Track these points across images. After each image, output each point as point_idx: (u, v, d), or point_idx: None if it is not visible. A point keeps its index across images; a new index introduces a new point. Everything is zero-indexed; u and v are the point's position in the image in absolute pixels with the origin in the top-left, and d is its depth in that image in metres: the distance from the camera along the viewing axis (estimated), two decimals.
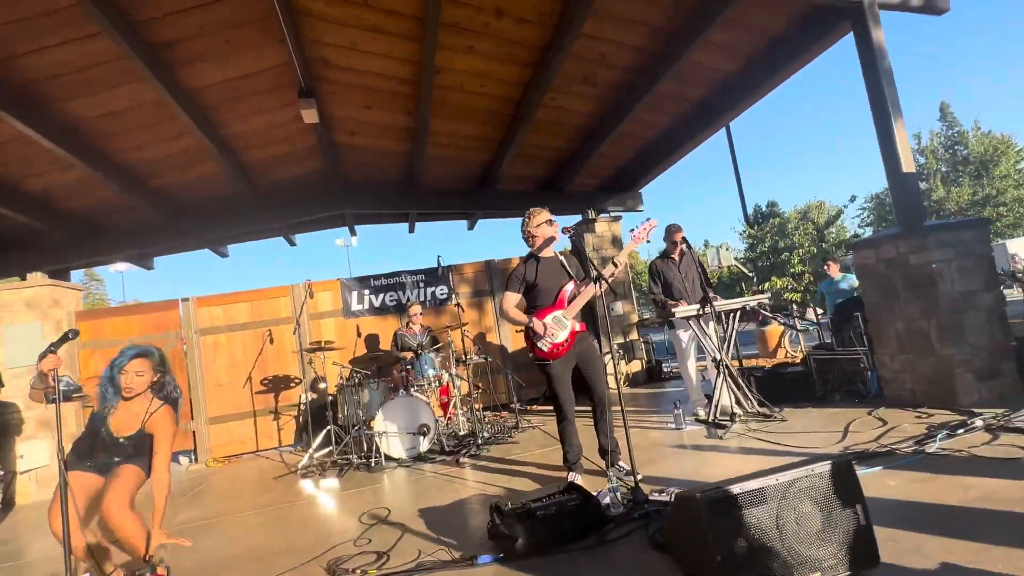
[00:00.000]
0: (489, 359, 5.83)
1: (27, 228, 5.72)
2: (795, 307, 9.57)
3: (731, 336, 4.35)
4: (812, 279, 10.21)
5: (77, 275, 6.95)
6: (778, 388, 4.65)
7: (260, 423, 6.37)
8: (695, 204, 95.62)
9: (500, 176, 6.87)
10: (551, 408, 6.22)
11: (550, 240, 3.34)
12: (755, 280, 14.82)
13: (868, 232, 25.63)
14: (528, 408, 6.50)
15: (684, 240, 4.67)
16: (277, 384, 6.47)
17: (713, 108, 5.83)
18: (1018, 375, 3.74)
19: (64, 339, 2.41)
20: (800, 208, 26.06)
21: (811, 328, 8.04)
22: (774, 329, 9.21)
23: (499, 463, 4.13)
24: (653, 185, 7.77)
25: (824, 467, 1.78)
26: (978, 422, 3.08)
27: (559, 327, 3.24)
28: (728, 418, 4.09)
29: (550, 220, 3.36)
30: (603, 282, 3.00)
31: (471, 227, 8.48)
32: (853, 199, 21.23)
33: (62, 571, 1.97)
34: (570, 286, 3.29)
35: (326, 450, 5.05)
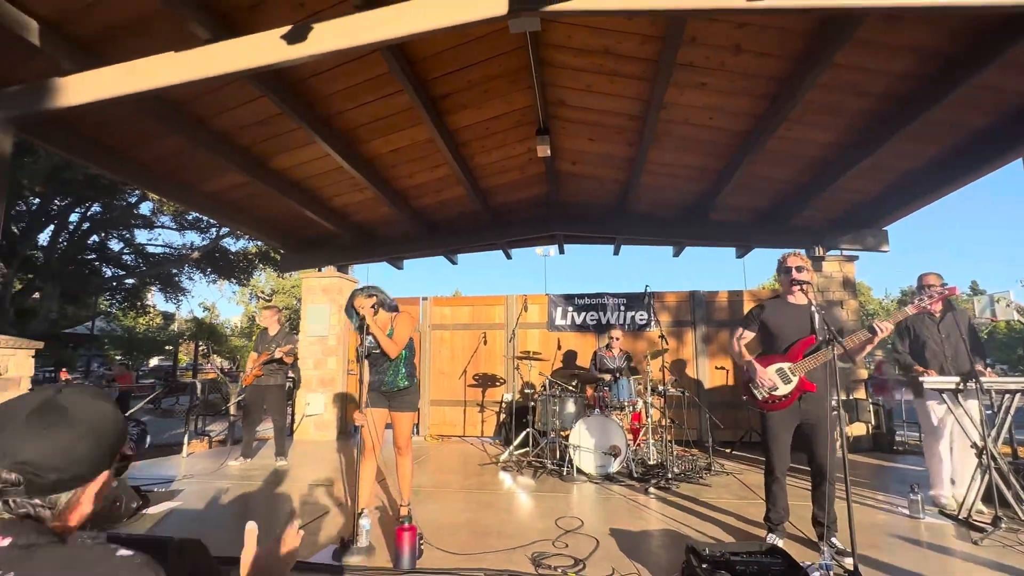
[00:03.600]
0: (686, 393, 5.73)
1: (329, 232, 7.58)
2: None
3: (1004, 422, 3.57)
4: None
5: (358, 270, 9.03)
6: None
7: (468, 412, 7.33)
8: (962, 251, 75.70)
9: (714, 206, 6.67)
10: (747, 456, 5.85)
11: (798, 285, 3.14)
12: None
13: None
14: (722, 451, 6.19)
15: (948, 301, 3.96)
16: (485, 381, 7.35)
17: (1002, 137, 4.78)
18: None
19: (363, 325, 3.29)
20: None
21: None
22: None
23: (689, 502, 4.10)
24: (904, 222, 6.65)
25: None
26: None
27: (782, 380, 3.09)
28: (990, 521, 3.37)
29: (802, 268, 3.16)
30: (840, 348, 2.76)
31: (677, 254, 8.36)
32: None
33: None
34: (810, 340, 3.06)
35: (524, 449, 5.60)
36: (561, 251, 9.05)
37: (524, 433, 5.63)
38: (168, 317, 31.41)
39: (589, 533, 3.32)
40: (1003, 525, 3.31)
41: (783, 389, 3.08)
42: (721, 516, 3.73)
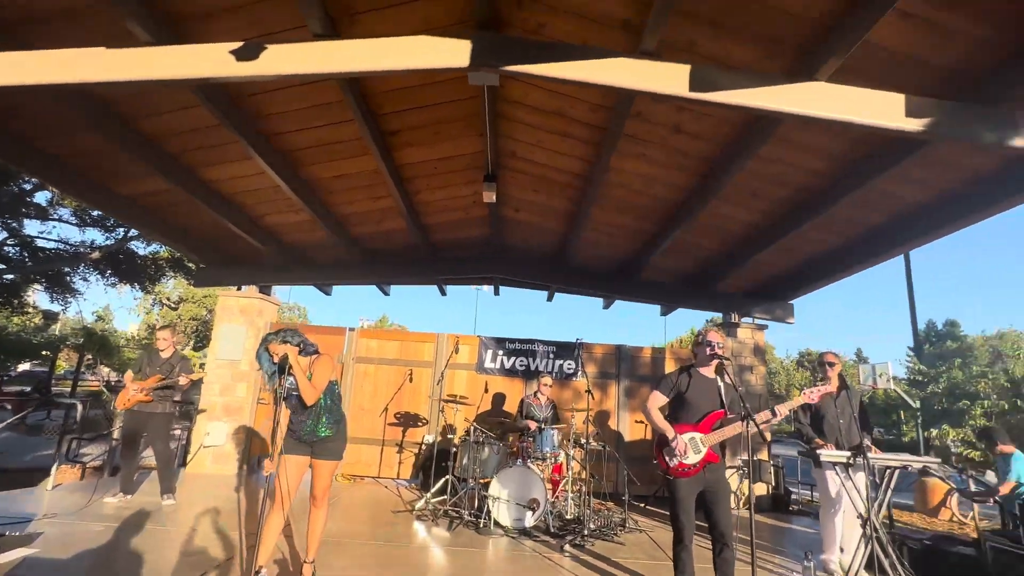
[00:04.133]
0: (606, 447, 5.83)
1: (255, 250, 7.15)
2: (968, 468, 8.05)
3: (885, 495, 3.91)
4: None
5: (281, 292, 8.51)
6: (936, 567, 4.02)
7: (386, 452, 7.00)
8: (851, 313, 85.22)
9: (645, 266, 7.03)
10: (659, 512, 5.97)
11: (711, 360, 3.31)
12: (919, 413, 12.69)
13: None
14: (636, 505, 6.30)
15: (842, 378, 4.36)
16: (407, 420, 7.10)
17: (893, 236, 5.45)
18: None
19: (284, 367, 3.10)
20: (989, 336, 21.89)
21: (988, 494, 6.70)
22: (938, 484, 7.85)
23: (603, 562, 4.10)
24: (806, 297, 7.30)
25: None
26: None
27: (693, 449, 3.23)
28: None
29: (714, 345, 3.35)
30: (752, 424, 2.95)
31: (607, 306, 8.67)
32: None
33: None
34: (720, 413, 3.26)
35: (442, 497, 5.40)
36: (496, 292, 9.10)
37: (443, 480, 5.44)
38: (50, 316, 27.97)
39: None
40: None
41: (693, 458, 3.22)
42: None
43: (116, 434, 6.39)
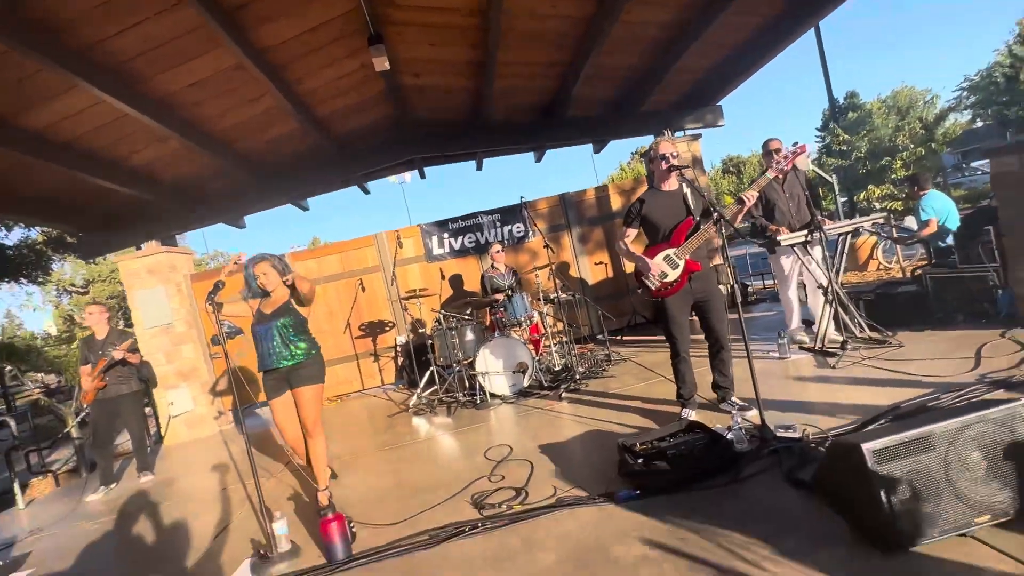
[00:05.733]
0: (575, 295, 5.87)
1: (136, 200, 6.15)
2: (892, 216, 8.79)
3: (841, 261, 4.12)
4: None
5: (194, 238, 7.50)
6: (890, 311, 4.43)
7: (362, 365, 6.88)
8: (776, 104, 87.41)
9: (569, 103, 6.55)
10: (638, 338, 6.27)
11: (669, 172, 3.16)
12: (836, 187, 13.58)
13: (967, 117, 22.12)
14: (615, 339, 6.59)
15: (786, 156, 4.32)
16: (373, 329, 6.89)
17: (799, 10, 5.17)
18: None
19: (216, 289, 2.80)
20: (885, 98, 23.14)
21: (909, 237, 7.38)
22: (865, 240, 8.61)
23: (601, 397, 4.28)
24: (731, 95, 7.14)
25: (997, 413, 1.71)
26: None
27: (669, 265, 3.18)
28: (838, 345, 3.98)
29: (668, 156, 3.15)
30: (723, 222, 2.87)
31: (539, 159, 8.27)
32: (962, 91, 18.20)
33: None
34: (689, 222, 3.15)
35: (431, 389, 5.42)
36: (422, 175, 8.47)
37: (428, 372, 5.42)
38: None
39: (521, 456, 3.31)
40: (849, 346, 3.93)
41: (672, 275, 3.19)
42: (633, 403, 3.94)
43: (75, 432, 5.96)
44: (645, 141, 7.36)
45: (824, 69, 12.33)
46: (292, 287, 3.17)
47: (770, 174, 3.24)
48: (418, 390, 5.36)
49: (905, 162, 11.76)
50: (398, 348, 6.85)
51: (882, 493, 1.63)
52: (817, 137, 19.06)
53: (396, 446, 4.25)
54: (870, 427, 2.54)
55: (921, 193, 5.69)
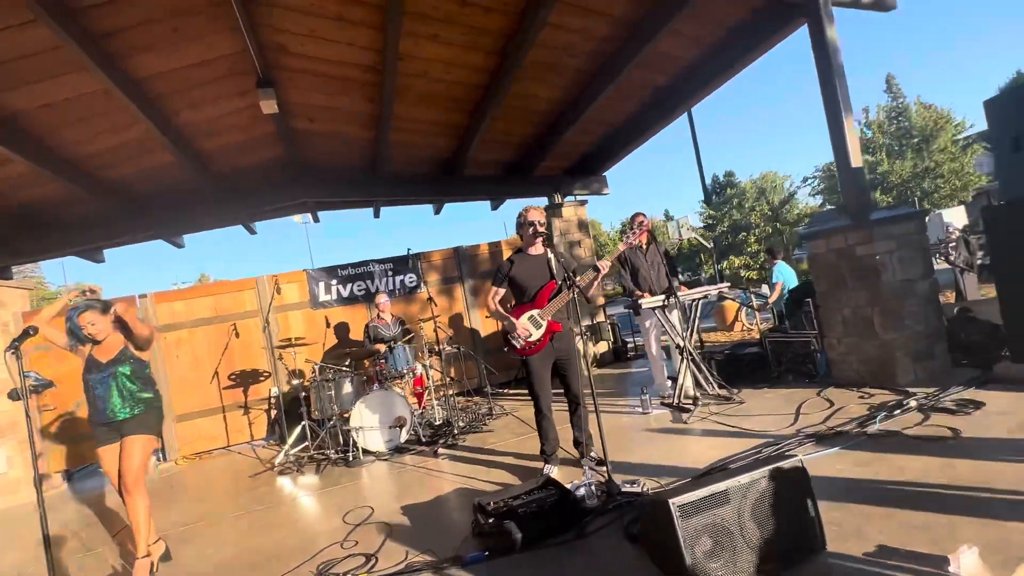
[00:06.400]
0: (461, 348, 5.90)
1: None
2: (749, 284, 10.01)
3: (693, 324, 4.57)
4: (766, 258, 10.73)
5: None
6: (737, 369, 4.94)
7: (230, 418, 6.29)
8: (657, 180, 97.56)
9: (466, 162, 6.82)
10: (523, 393, 6.38)
11: (536, 238, 3.38)
12: (714, 254, 15.32)
13: (819, 201, 26.27)
14: (500, 392, 6.66)
15: (650, 231, 4.81)
16: (245, 378, 6.38)
17: (677, 94, 5.93)
18: (948, 355, 4.10)
19: (25, 335, 2.50)
20: (756, 179, 26.81)
21: (765, 303, 8.43)
22: (731, 304, 9.66)
23: (476, 453, 4.27)
24: (616, 166, 7.87)
25: (781, 466, 1.97)
26: (912, 403, 3.40)
27: (534, 326, 3.34)
28: (691, 401, 4.34)
29: (536, 224, 3.37)
30: (576, 289, 3.08)
31: (437, 212, 8.42)
32: (806, 180, 21.84)
33: None
34: (552, 285, 3.36)
35: (302, 445, 5.07)
36: (315, 219, 8.25)
37: (299, 427, 5.09)
38: None
39: (382, 519, 3.17)
40: (700, 402, 4.30)
41: (536, 334, 3.35)
42: (506, 459, 3.97)
43: None
44: (541, 202, 7.81)
45: (696, 152, 14.14)
46: (127, 330, 2.91)
47: (621, 246, 3.59)
48: (286, 447, 4.99)
49: (758, 238, 13.69)
50: (272, 400, 6.38)
51: (683, 544, 1.78)
52: (700, 209, 21.39)
53: (251, 510, 3.88)
54: (686, 481, 2.77)
55: (774, 262, 6.94)
